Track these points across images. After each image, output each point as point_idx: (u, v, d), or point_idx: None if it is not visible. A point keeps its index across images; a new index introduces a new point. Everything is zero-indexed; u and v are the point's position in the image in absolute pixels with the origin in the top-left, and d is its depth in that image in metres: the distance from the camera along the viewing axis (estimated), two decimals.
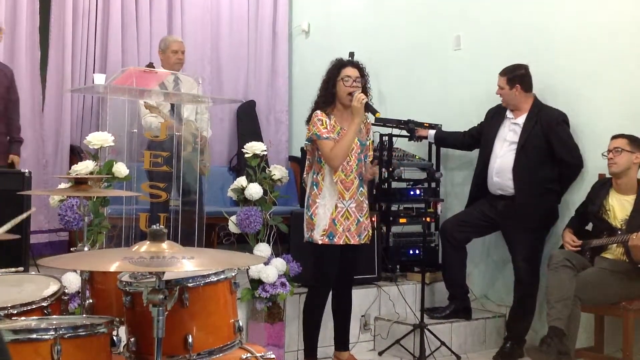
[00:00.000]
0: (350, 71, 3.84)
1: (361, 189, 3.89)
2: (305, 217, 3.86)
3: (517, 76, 4.50)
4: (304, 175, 4.02)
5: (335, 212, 3.79)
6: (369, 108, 3.82)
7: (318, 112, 3.82)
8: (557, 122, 4.47)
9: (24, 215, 2.96)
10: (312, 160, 3.92)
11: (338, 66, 3.87)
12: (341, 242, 3.80)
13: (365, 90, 3.88)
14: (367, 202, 3.96)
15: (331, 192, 3.80)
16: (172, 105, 4.83)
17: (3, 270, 3.04)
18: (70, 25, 5.66)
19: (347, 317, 4.05)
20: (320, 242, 3.78)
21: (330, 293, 3.99)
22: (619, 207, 4.04)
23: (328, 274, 3.88)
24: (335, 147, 3.76)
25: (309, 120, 3.87)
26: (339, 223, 3.79)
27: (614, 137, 4.08)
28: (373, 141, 4.07)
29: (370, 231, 3.99)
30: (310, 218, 3.81)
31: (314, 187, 3.85)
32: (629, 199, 4.02)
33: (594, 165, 4.38)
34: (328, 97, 3.85)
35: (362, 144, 3.90)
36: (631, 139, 4.04)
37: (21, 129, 4.96)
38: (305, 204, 3.89)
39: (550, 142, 4.43)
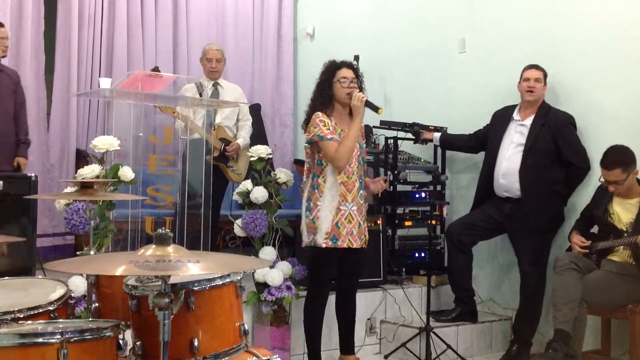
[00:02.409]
0: (346, 72, 3.84)
1: (361, 191, 3.85)
2: (306, 221, 3.80)
3: (545, 72, 4.52)
4: (304, 179, 3.96)
5: (339, 215, 3.75)
6: (370, 106, 3.78)
7: (319, 113, 3.78)
8: (565, 124, 4.46)
9: None
10: (312, 163, 3.86)
11: (332, 68, 3.87)
12: (344, 246, 3.76)
13: (362, 90, 3.86)
14: (366, 205, 3.93)
15: (333, 194, 3.76)
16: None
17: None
18: (76, 29, 5.68)
19: (352, 321, 4.03)
20: (324, 246, 3.73)
21: (335, 297, 3.99)
22: (622, 211, 4.03)
23: (326, 277, 3.87)
24: (340, 148, 3.72)
25: (307, 122, 3.83)
26: (342, 226, 3.75)
27: (608, 169, 3.95)
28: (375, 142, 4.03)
29: (367, 235, 3.92)
30: (312, 222, 3.76)
31: (314, 190, 3.79)
32: (633, 202, 4.01)
33: (600, 169, 4.35)
34: (325, 99, 3.83)
35: (361, 146, 3.88)
36: (623, 163, 3.93)
37: (29, 131, 4.98)
38: (305, 207, 3.82)
39: (557, 145, 4.42)
